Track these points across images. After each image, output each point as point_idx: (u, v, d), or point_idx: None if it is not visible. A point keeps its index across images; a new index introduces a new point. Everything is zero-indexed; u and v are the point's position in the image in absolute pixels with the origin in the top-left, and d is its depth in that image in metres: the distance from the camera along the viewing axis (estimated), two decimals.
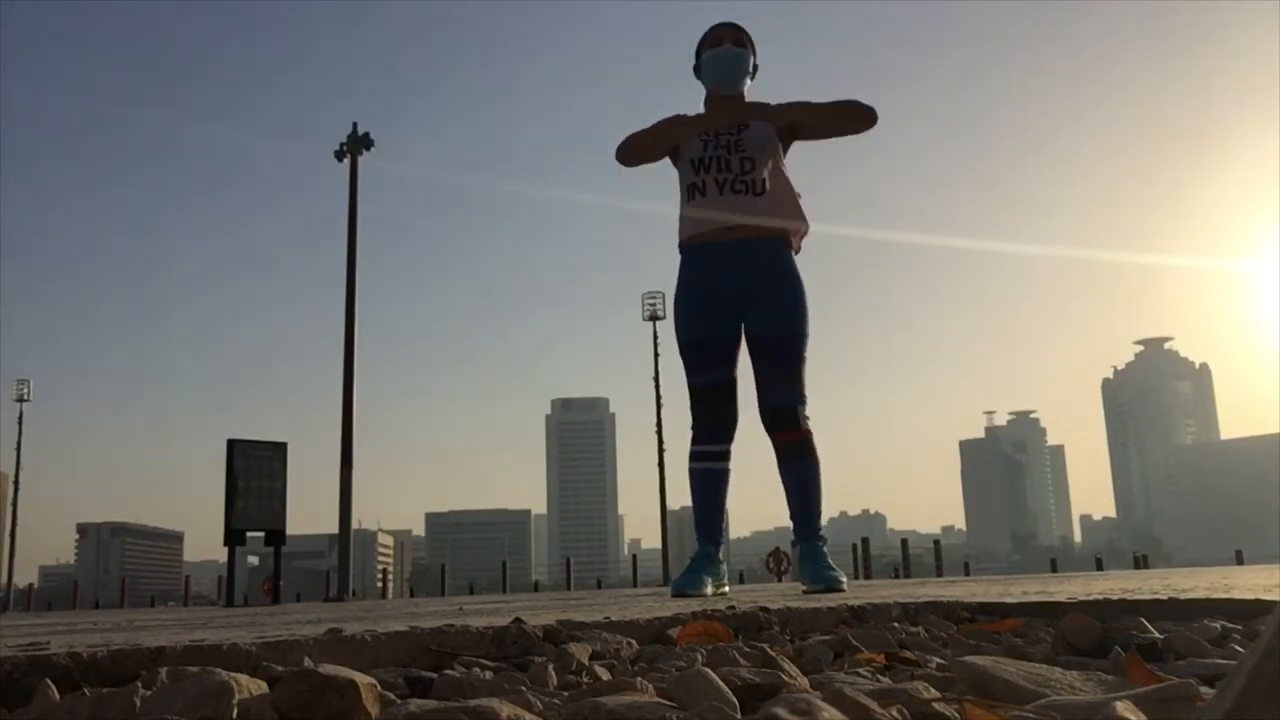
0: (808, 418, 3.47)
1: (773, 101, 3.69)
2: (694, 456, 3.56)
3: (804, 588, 3.30)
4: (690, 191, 3.55)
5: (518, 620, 1.44)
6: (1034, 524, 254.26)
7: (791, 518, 3.48)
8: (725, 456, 3.56)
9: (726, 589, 3.54)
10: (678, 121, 3.66)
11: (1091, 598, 1.80)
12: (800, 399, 3.47)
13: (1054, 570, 31.72)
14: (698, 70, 3.75)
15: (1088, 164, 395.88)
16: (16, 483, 33.01)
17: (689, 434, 3.56)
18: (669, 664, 1.12)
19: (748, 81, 3.72)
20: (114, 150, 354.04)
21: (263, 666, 1.06)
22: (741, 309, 3.49)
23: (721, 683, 0.80)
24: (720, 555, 3.54)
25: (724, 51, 3.66)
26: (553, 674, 1.01)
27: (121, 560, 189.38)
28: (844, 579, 3.25)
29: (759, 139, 3.53)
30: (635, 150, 3.74)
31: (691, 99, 3.78)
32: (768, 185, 3.49)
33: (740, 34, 3.71)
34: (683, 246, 3.60)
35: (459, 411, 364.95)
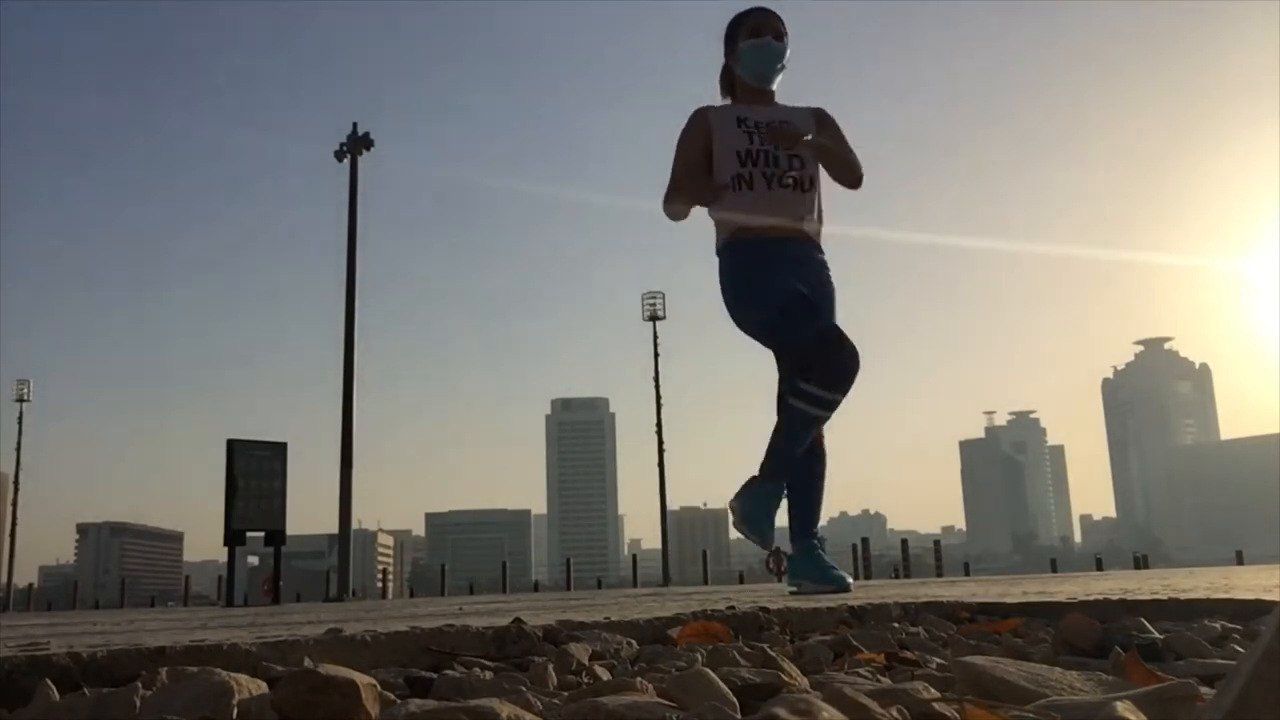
0: None
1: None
2: (818, 403, 3.23)
3: (792, 587, 3.27)
4: (736, 183, 3.44)
5: (518, 620, 1.44)
6: (1034, 524, 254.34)
7: (790, 514, 3.43)
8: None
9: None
10: (703, 117, 3.53)
11: (1091, 598, 1.80)
12: None
13: (1054, 570, 31.72)
14: (729, 54, 3.64)
15: (1088, 163, 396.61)
16: (16, 483, 33.04)
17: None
18: (669, 664, 1.12)
19: (780, 76, 3.65)
20: (114, 149, 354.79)
21: (263, 666, 1.06)
22: None
23: (721, 683, 0.80)
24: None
25: (765, 44, 3.56)
26: (553, 674, 1.01)
27: (121, 560, 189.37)
28: (850, 579, 3.25)
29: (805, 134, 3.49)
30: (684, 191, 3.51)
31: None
32: (814, 182, 3.48)
33: (779, 24, 3.61)
34: (729, 242, 3.47)
35: (459, 412, 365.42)
